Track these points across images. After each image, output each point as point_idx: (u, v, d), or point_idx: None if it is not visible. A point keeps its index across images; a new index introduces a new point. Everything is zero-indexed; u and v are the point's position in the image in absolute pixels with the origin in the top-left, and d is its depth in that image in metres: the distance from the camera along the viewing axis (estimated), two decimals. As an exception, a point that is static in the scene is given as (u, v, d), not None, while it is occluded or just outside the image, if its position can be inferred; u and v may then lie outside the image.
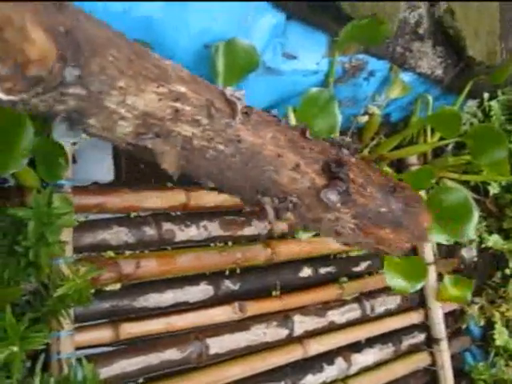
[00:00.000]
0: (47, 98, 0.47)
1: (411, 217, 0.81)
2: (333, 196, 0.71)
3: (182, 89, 0.60)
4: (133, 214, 0.97)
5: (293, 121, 1.03)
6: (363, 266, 1.36)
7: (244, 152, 0.66)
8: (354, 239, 0.79)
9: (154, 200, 0.98)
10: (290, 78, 1.05)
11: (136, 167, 0.99)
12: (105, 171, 0.93)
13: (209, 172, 0.66)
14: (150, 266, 0.97)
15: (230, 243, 1.10)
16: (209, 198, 1.04)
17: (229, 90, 0.65)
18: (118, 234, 0.94)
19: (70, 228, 0.85)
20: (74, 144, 0.87)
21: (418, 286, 1.16)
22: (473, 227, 1.12)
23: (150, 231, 0.97)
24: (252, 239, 1.13)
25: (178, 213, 1.02)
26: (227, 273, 1.09)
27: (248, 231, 1.11)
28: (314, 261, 1.23)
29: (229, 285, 1.08)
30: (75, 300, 0.76)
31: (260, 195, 0.73)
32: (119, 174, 0.97)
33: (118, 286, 0.94)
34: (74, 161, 0.90)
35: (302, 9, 1.01)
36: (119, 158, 0.97)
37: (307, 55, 1.05)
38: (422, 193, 1.17)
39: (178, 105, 0.60)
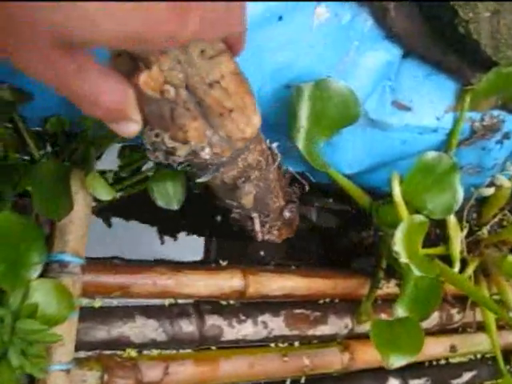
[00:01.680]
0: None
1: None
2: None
3: (264, 146, 0.64)
4: (167, 302, 0.72)
5: (397, 192, 0.76)
6: (466, 376, 1.06)
7: (266, 186, 0.70)
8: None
9: (199, 283, 0.72)
10: (400, 134, 0.78)
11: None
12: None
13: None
14: (184, 372, 0.71)
15: (296, 343, 0.83)
16: (274, 284, 0.78)
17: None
18: (144, 329, 0.69)
19: (74, 318, 0.61)
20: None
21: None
22: None
23: (188, 327, 0.72)
24: (326, 340, 0.86)
25: (231, 302, 0.77)
26: (288, 383, 0.82)
27: (322, 330, 0.84)
28: (403, 369, 0.94)
29: (289, 400, 0.82)
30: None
31: (256, 212, 0.75)
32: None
33: (136, 396, 0.69)
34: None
35: (426, 44, 0.75)
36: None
37: (425, 107, 0.78)
38: None
39: (260, 158, 0.64)
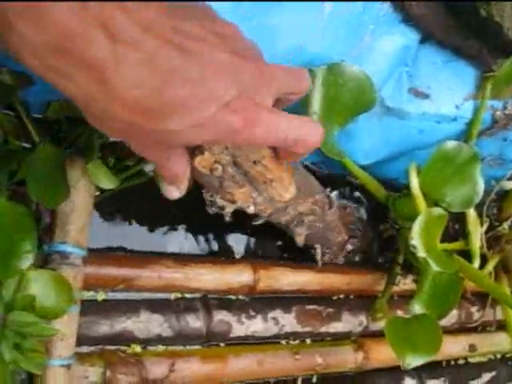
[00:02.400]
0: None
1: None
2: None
3: (318, 196, 0.66)
4: (174, 296, 0.69)
5: (415, 184, 0.72)
6: (486, 377, 1.02)
7: (325, 225, 0.73)
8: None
9: (207, 277, 0.70)
10: (417, 123, 0.75)
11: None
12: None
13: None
14: (191, 368, 0.68)
15: (307, 341, 0.80)
16: (286, 279, 0.75)
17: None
18: (149, 324, 0.66)
19: (75, 311, 0.59)
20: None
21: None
22: None
23: (195, 322, 0.69)
24: (340, 337, 0.83)
25: (240, 297, 0.74)
26: (299, 382, 0.79)
27: (335, 327, 0.81)
28: (420, 368, 0.90)
29: (300, 399, 0.78)
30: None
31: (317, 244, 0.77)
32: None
33: (141, 394, 0.67)
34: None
35: (445, 29, 0.71)
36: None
37: (444, 94, 0.75)
38: None
39: (314, 207, 0.66)
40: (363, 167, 0.79)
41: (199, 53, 0.36)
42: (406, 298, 0.87)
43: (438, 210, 0.71)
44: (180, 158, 0.45)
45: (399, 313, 0.87)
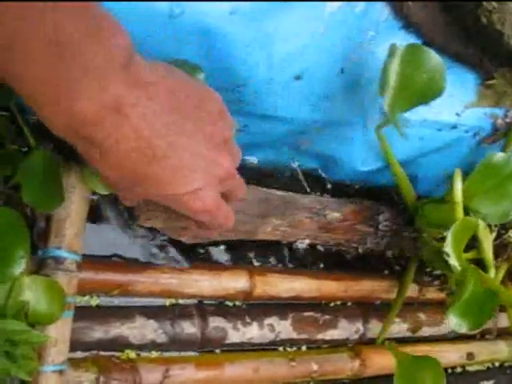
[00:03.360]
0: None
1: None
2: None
3: None
4: (169, 302, 0.69)
5: (458, 190, 0.72)
6: (485, 386, 1.02)
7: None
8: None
9: (203, 283, 0.69)
10: (418, 130, 0.74)
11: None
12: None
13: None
14: (185, 375, 0.68)
15: (303, 348, 0.80)
16: (283, 285, 0.75)
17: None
18: (143, 329, 0.66)
19: (68, 317, 0.58)
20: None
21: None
22: None
23: (190, 328, 0.68)
24: (336, 345, 0.82)
25: (237, 303, 0.74)
26: (295, 389, 0.79)
27: (332, 334, 0.80)
28: (417, 376, 0.90)
29: (296, 407, 0.78)
30: None
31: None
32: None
33: (134, 400, 0.66)
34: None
35: (445, 35, 0.71)
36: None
37: (444, 102, 0.74)
38: None
39: None
40: (362, 174, 0.79)
41: (184, 147, 0.44)
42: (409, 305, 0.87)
43: (473, 220, 0.71)
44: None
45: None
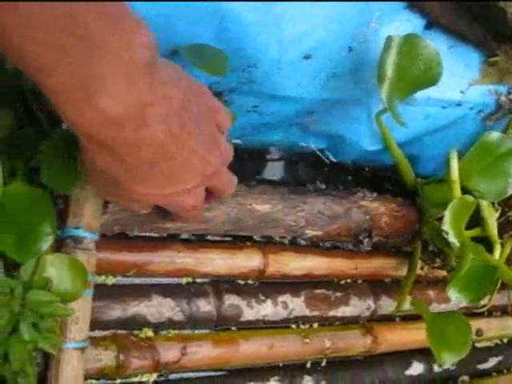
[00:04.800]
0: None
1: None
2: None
3: None
4: (185, 280, 0.70)
5: (455, 169, 0.73)
6: (492, 362, 1.03)
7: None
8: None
9: (217, 262, 0.71)
10: (423, 109, 0.76)
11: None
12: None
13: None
14: (202, 352, 0.69)
15: (315, 325, 0.81)
16: (295, 263, 0.76)
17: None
18: (160, 308, 0.67)
19: (88, 295, 0.60)
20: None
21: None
22: None
23: (206, 306, 0.70)
24: (348, 322, 0.84)
25: (250, 281, 0.75)
26: (309, 365, 0.80)
27: (344, 311, 0.82)
28: (427, 353, 0.91)
29: (310, 383, 0.79)
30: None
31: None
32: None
33: (153, 377, 0.68)
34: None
35: (449, 15, 0.72)
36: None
37: (449, 80, 0.75)
38: None
39: None
40: (369, 153, 0.80)
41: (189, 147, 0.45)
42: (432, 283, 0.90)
43: (470, 198, 0.73)
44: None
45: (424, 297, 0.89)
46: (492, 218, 0.80)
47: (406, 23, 0.70)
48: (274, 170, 0.79)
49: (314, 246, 0.79)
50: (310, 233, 0.75)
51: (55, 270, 0.53)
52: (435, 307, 0.91)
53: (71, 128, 0.41)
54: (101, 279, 0.65)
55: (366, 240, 0.78)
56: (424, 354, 0.91)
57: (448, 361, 0.72)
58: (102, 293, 0.64)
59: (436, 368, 0.93)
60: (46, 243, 0.50)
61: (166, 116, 0.41)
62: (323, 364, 0.81)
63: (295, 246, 0.78)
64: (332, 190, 0.78)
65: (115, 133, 0.40)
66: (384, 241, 0.81)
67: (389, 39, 0.65)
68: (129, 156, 0.42)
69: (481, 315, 0.99)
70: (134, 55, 0.38)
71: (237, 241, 0.74)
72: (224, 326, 0.73)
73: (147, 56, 0.38)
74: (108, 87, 0.37)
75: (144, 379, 0.67)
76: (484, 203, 0.79)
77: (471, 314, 0.96)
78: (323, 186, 0.80)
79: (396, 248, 0.87)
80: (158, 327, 0.68)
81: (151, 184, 0.46)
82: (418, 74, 0.68)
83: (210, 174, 0.49)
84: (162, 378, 0.69)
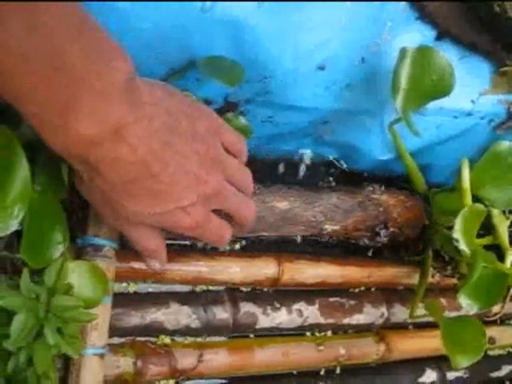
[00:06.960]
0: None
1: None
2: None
3: None
4: (200, 288, 0.71)
5: (466, 178, 0.74)
6: (505, 370, 1.03)
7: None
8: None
9: (234, 270, 0.72)
10: (435, 118, 0.77)
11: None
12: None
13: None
14: (218, 359, 0.70)
15: (329, 332, 0.82)
16: (310, 272, 0.77)
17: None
18: (177, 315, 0.68)
19: (108, 302, 0.61)
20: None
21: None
22: None
23: (222, 313, 0.71)
24: (361, 329, 0.84)
25: (265, 289, 0.76)
26: (323, 373, 0.81)
27: (357, 319, 0.82)
28: (440, 361, 0.92)
29: (324, 390, 0.80)
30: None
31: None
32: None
33: (170, 383, 0.69)
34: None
35: (460, 25, 0.73)
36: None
37: (460, 90, 0.76)
38: None
39: None
40: (381, 163, 0.81)
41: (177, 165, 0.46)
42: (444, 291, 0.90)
43: (480, 206, 0.73)
44: (151, 234, 0.53)
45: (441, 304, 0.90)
46: (503, 225, 0.80)
47: (418, 34, 0.71)
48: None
49: (332, 246, 0.80)
50: (328, 227, 0.76)
51: (76, 276, 0.54)
52: (447, 315, 0.91)
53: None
54: (122, 287, 0.66)
55: (383, 231, 0.79)
56: (437, 361, 0.92)
57: (463, 364, 0.73)
58: (121, 300, 0.65)
59: (449, 375, 0.93)
60: (58, 251, 0.51)
61: (146, 135, 0.42)
62: (337, 371, 0.82)
63: (312, 250, 0.78)
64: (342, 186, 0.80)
65: (94, 151, 0.41)
66: (398, 232, 0.81)
67: (403, 51, 0.67)
68: (112, 173, 0.43)
69: (493, 323, 0.99)
70: (111, 79, 0.39)
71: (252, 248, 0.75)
72: (240, 333, 0.74)
73: (123, 79, 0.40)
74: (82, 109, 0.38)
75: (161, 386, 0.68)
76: (495, 211, 0.80)
77: (484, 322, 0.96)
78: (333, 183, 0.82)
79: (408, 255, 0.87)
80: (175, 334, 0.69)
81: (139, 201, 0.46)
82: (431, 85, 0.69)
83: (209, 193, 0.50)
84: (179, 385, 0.70)
